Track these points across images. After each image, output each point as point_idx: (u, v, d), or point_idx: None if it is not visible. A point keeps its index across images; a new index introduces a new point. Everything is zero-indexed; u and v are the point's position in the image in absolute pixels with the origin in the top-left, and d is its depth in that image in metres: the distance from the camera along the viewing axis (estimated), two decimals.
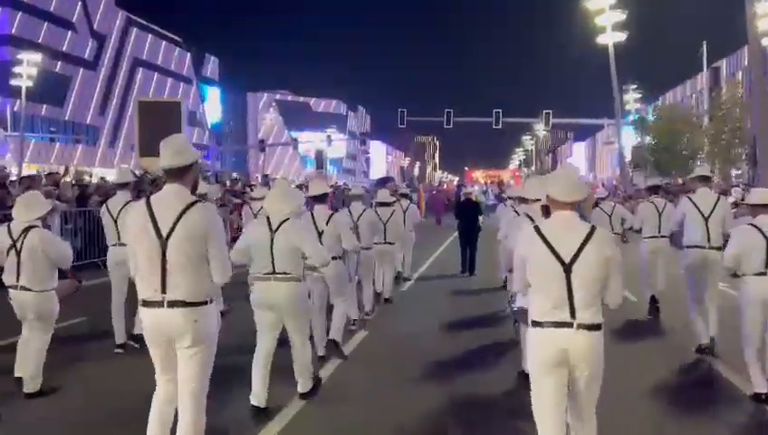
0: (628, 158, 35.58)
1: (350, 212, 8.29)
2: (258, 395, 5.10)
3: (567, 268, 3.31)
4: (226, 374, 4.70)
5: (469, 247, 13.09)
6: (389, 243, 9.66)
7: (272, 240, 5.01)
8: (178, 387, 3.66)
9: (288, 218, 5.08)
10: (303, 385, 5.39)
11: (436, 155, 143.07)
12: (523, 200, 7.48)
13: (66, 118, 50.00)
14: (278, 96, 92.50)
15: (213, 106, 73.10)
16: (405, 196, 12.70)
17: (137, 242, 3.62)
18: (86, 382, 5.91)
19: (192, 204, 3.57)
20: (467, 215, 13.27)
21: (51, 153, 45.75)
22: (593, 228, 3.41)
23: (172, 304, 3.53)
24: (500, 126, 36.42)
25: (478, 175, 76.61)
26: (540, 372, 3.40)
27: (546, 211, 4.39)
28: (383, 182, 16.03)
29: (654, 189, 9.07)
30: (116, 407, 5.18)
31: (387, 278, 9.89)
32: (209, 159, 49.74)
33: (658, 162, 32.80)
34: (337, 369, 6.40)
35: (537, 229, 3.47)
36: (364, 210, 8.39)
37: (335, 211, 6.65)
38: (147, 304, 3.60)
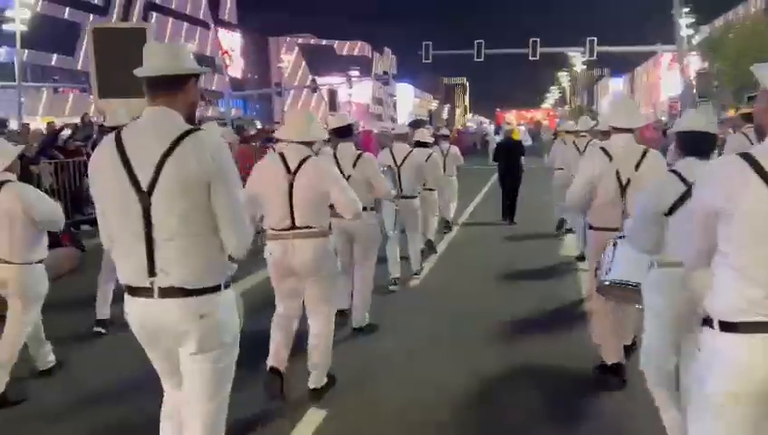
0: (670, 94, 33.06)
1: (392, 154, 7.32)
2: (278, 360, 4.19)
3: None
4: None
5: (511, 193, 12.00)
6: (429, 189, 8.68)
7: (290, 185, 3.99)
8: (185, 407, 2.63)
9: (310, 156, 4.07)
10: (317, 379, 4.27)
11: (466, 97, 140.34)
12: (605, 134, 6.42)
13: (79, 67, 49.22)
14: (300, 40, 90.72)
15: (233, 53, 71.69)
16: (444, 137, 11.62)
17: (106, 199, 2.50)
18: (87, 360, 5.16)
19: (186, 134, 2.41)
20: (509, 156, 12.00)
21: (65, 105, 45.11)
22: None
23: (165, 292, 2.43)
24: (537, 57, 33.81)
25: (511, 117, 74.74)
26: (729, 400, 2.07)
27: (682, 145, 3.25)
28: (416, 125, 14.85)
29: (749, 117, 7.58)
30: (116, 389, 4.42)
31: (429, 224, 8.97)
32: (222, 106, 48.42)
33: (734, 90, 29.50)
34: (376, 336, 5.56)
35: (752, 161, 2.03)
36: (410, 152, 7.41)
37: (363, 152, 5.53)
38: (132, 291, 2.52)
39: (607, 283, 3.79)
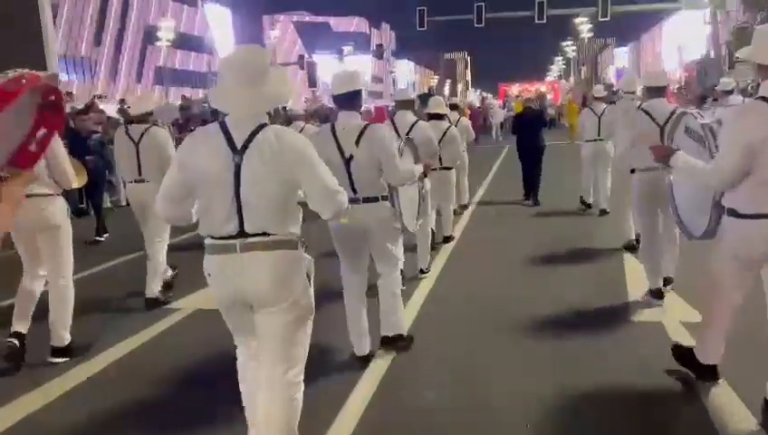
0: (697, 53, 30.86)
1: (393, 124, 6.22)
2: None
3: None
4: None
5: (533, 169, 11.10)
6: (446, 168, 7.72)
7: (237, 170, 2.72)
8: None
9: (264, 124, 2.78)
10: None
11: (467, 72, 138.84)
12: (654, 92, 5.48)
13: (59, 51, 48.13)
14: (295, 17, 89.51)
15: (223, 31, 70.22)
16: (454, 107, 10.72)
17: None
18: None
19: None
20: (529, 128, 11.03)
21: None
22: None
23: None
24: (543, 20, 32.14)
25: (513, 91, 73.73)
26: None
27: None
28: (425, 98, 13.88)
29: None
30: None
31: (445, 212, 8.06)
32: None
33: None
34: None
35: None
36: (416, 121, 6.25)
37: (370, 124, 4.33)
38: None
39: None
